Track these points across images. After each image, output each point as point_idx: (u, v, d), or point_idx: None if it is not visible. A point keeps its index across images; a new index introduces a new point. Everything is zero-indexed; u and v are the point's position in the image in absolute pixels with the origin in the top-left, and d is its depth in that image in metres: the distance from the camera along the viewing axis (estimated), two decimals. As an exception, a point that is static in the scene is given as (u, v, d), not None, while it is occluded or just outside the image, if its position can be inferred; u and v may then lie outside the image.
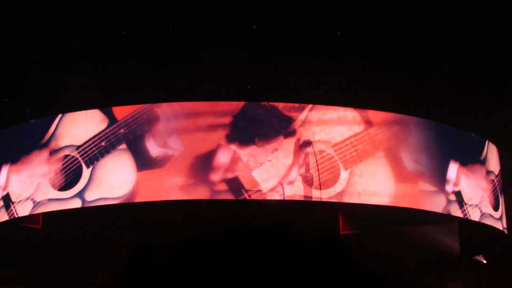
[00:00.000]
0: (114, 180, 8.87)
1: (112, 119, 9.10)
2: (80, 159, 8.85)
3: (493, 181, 11.91)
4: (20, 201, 9.79)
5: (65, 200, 9.08)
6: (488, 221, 11.58)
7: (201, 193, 9.22)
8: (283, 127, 9.84)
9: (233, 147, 9.45)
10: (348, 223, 14.84)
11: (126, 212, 9.77)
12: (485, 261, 15.48)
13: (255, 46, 12.48)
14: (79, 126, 9.05)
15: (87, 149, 8.88)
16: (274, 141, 9.58)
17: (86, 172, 8.77)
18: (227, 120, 9.72)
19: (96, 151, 8.84)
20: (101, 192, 8.87)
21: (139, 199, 8.78)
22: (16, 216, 10.20)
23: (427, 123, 12.39)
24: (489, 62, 13.29)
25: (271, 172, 9.67)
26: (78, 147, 9.03)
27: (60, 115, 9.46)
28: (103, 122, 9.12)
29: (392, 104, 12.83)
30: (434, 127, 12.48)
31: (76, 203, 8.90)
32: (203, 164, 9.23)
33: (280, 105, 10.18)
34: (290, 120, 9.94)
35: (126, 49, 12.47)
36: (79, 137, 9.10)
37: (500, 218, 11.83)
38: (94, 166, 8.84)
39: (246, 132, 9.64)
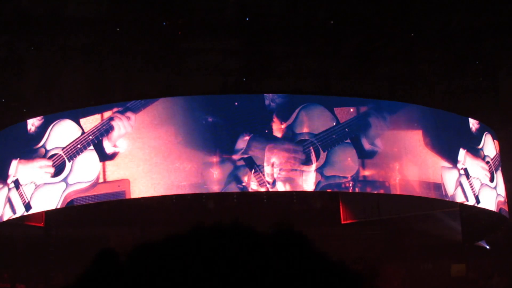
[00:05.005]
0: (86, 170, 11.99)
1: (83, 129, 12.12)
2: (64, 156, 12.12)
3: (488, 162, 13.77)
4: (26, 184, 12.42)
5: (55, 184, 12.12)
6: (485, 190, 13.40)
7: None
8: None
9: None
10: (348, 212, 14.93)
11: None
12: (487, 246, 15.45)
13: (248, 37, 12.49)
14: (63, 134, 12.24)
15: (68, 149, 12.12)
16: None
17: (68, 165, 12.08)
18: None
19: (74, 151, 12.09)
20: (78, 177, 11.99)
21: (101, 181, 11.96)
22: (25, 197, 12.44)
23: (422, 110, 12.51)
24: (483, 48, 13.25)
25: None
26: (63, 148, 12.18)
27: (52, 125, 12.39)
28: (78, 131, 12.12)
29: (387, 91, 12.83)
30: (432, 113, 12.60)
31: (62, 185, 12.06)
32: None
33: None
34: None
35: (120, 45, 12.52)
36: (63, 141, 12.22)
37: (495, 187, 13.78)
38: (74, 161, 12.08)
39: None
